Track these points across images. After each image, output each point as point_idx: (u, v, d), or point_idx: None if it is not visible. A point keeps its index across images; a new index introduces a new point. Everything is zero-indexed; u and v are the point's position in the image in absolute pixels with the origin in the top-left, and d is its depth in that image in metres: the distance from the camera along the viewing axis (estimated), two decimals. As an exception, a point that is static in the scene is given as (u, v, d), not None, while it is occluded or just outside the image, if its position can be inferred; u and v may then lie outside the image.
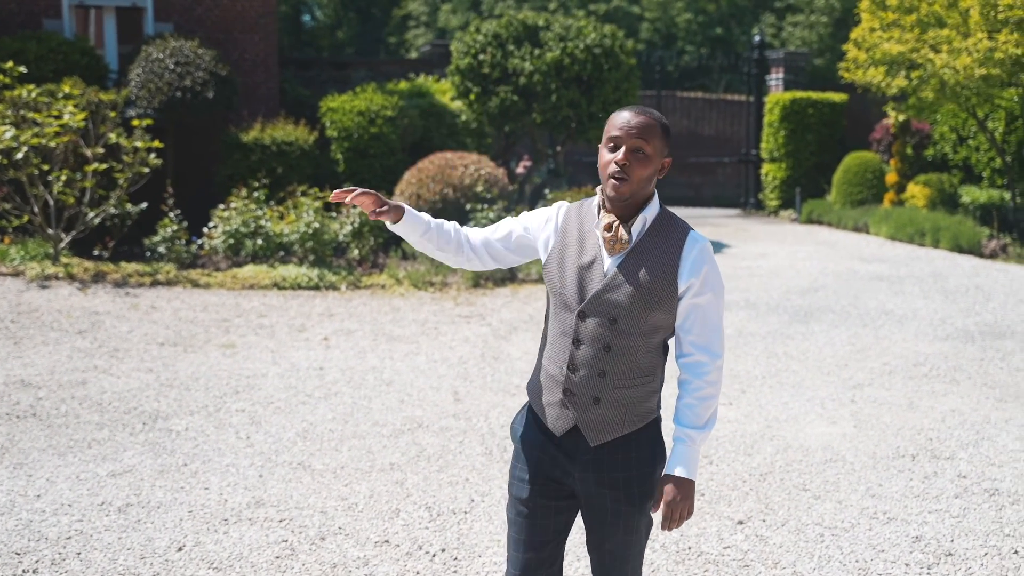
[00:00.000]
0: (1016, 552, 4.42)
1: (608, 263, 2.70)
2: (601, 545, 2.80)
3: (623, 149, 2.64)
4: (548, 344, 2.81)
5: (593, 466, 2.73)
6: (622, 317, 2.68)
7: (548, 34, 13.86)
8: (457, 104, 14.39)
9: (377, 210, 2.71)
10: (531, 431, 2.84)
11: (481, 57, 13.73)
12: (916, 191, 15.51)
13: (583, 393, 2.71)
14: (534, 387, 2.86)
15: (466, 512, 4.80)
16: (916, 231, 14.20)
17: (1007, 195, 14.77)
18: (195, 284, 10.24)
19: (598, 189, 2.76)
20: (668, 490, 2.70)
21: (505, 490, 5.01)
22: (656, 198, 2.75)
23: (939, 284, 11.00)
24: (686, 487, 2.70)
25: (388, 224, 2.79)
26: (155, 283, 10.16)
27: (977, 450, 5.78)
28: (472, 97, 13.77)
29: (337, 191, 2.67)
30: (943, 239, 13.64)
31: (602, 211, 2.74)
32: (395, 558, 4.29)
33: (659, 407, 2.82)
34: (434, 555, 4.32)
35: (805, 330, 8.81)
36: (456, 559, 4.29)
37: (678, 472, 2.70)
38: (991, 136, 14.70)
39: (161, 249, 10.90)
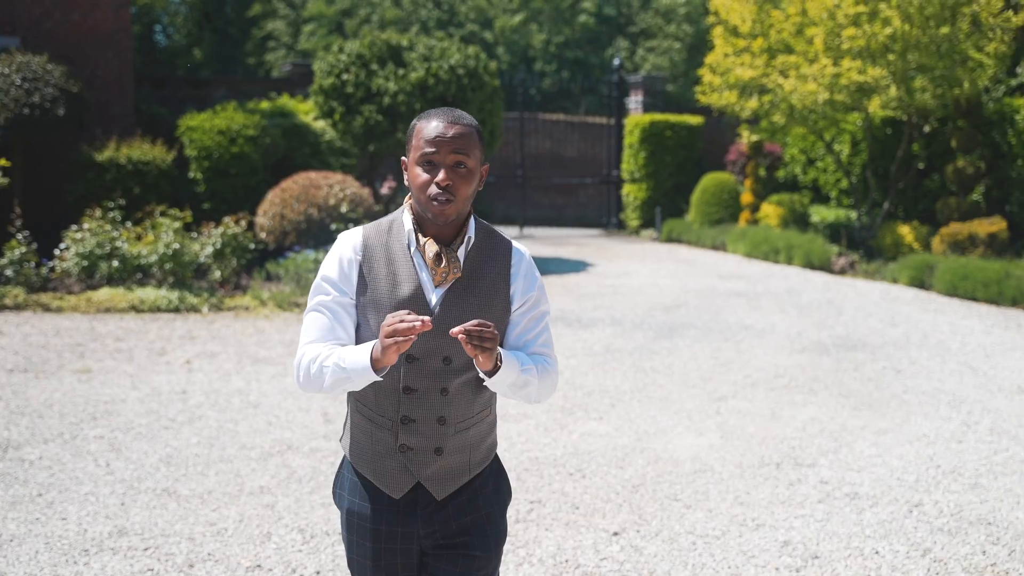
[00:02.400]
0: (878, 552, 4.58)
1: (433, 296, 2.40)
2: None
3: (442, 168, 2.34)
4: (367, 398, 2.45)
5: (438, 518, 2.47)
6: (455, 354, 2.39)
7: (412, 54, 13.86)
8: (320, 124, 14.24)
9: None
10: (360, 500, 2.50)
11: (345, 77, 13.62)
12: (769, 211, 16.07)
13: (423, 446, 2.42)
14: (357, 450, 2.50)
15: (339, 533, 4.69)
16: (771, 249, 14.71)
17: (853, 214, 15.44)
18: (46, 308, 9.80)
19: (406, 205, 2.45)
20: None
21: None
22: (472, 212, 2.48)
23: (794, 299, 11.40)
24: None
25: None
26: (2, 307, 9.68)
27: (837, 456, 5.98)
28: (336, 117, 13.64)
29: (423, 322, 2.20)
30: (796, 256, 14.16)
31: (418, 235, 2.42)
32: (268, 583, 4.17)
33: (496, 437, 2.63)
34: (309, 578, 4.22)
35: (670, 345, 9.00)
36: (332, 581, 4.19)
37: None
38: (837, 158, 15.37)
39: (8, 272, 10.40)
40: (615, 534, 4.78)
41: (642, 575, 4.33)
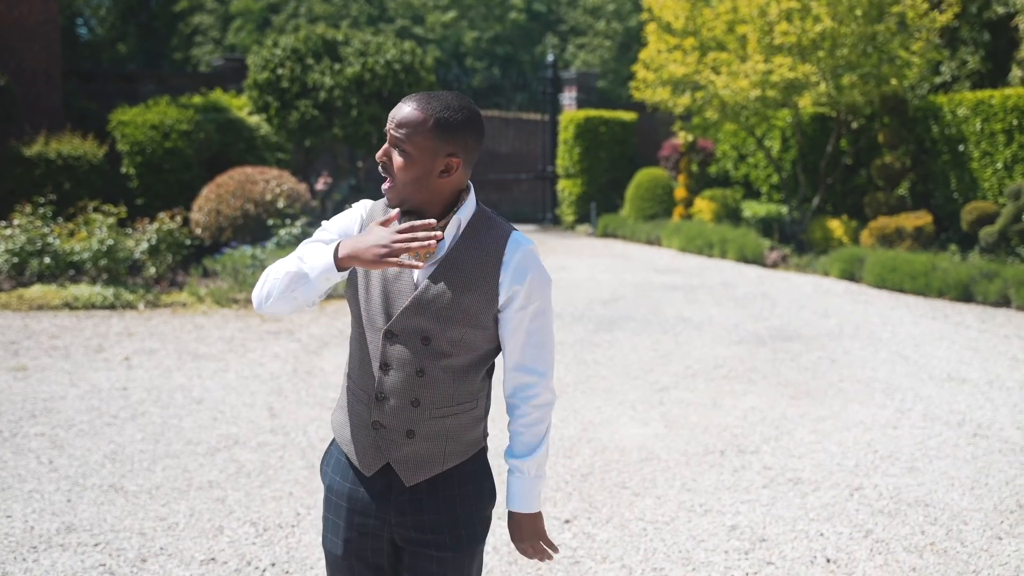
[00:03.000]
0: (822, 534, 4.71)
1: (418, 274, 2.35)
2: None
3: (385, 144, 2.32)
4: (352, 372, 2.46)
5: (410, 508, 2.39)
6: (435, 336, 2.33)
7: (348, 49, 13.80)
8: (255, 119, 14.10)
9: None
10: (338, 475, 2.48)
11: (280, 71, 13.51)
12: (703, 206, 16.30)
13: (395, 426, 2.36)
14: (339, 421, 2.50)
15: (293, 526, 4.69)
16: (705, 243, 14.92)
17: (784, 209, 15.74)
18: (-24, 306, 9.57)
19: None
20: (513, 531, 2.47)
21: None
22: (472, 196, 2.38)
23: (729, 292, 11.59)
24: (529, 521, 2.45)
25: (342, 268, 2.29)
26: (-70, 305, 9.44)
27: (778, 444, 6.12)
28: (272, 112, 13.52)
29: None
30: (730, 251, 14.39)
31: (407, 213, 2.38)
32: (224, 575, 4.14)
33: (485, 435, 2.51)
34: (264, 570, 4.20)
35: (610, 338, 9.10)
36: (287, 572, 4.19)
37: (516, 508, 2.45)
38: (768, 154, 15.65)
39: (-65, 269, 10.14)
40: (567, 522, 4.84)
41: (595, 560, 4.40)
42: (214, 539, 4.51)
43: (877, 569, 4.32)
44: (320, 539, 4.46)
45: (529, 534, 2.47)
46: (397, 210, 2.34)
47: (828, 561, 4.41)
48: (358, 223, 2.43)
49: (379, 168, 2.31)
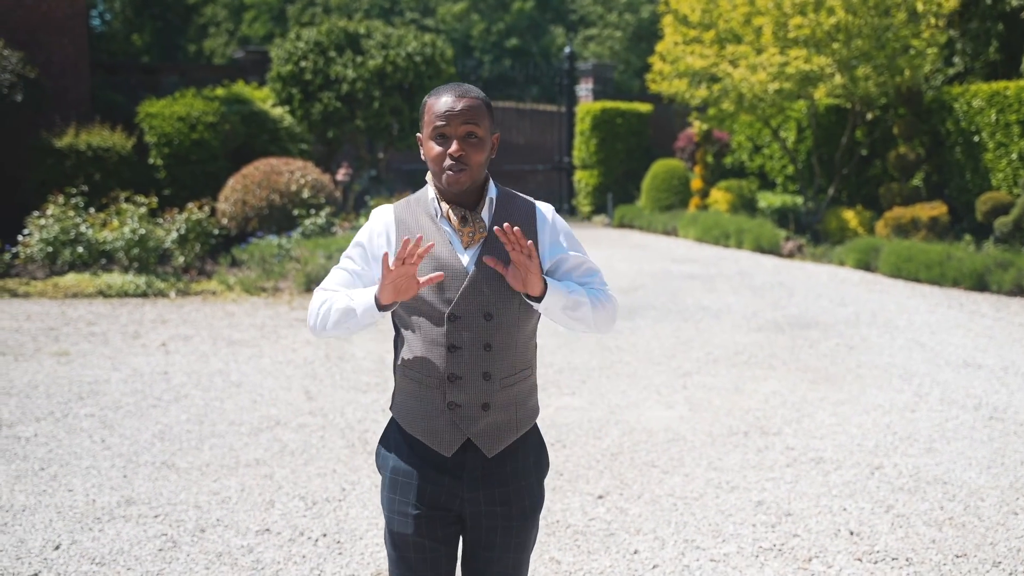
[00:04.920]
0: (845, 509, 4.92)
1: (466, 257, 2.53)
2: (488, 568, 2.63)
3: (455, 139, 2.48)
4: (413, 361, 2.58)
5: (483, 483, 2.56)
6: (496, 310, 2.52)
7: (370, 42, 14.00)
8: (278, 111, 14.32)
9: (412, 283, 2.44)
10: (406, 459, 2.59)
11: (303, 64, 13.73)
12: (719, 196, 16.48)
13: (470, 402, 2.53)
14: (406, 412, 2.61)
15: (340, 500, 4.92)
16: (721, 233, 15.11)
17: (799, 200, 15.91)
18: (13, 293, 9.83)
19: (428, 180, 2.61)
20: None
21: (373, 480, 5.16)
22: (490, 177, 2.61)
23: (746, 281, 11.79)
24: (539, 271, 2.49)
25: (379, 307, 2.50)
26: (-31, 293, 9.70)
27: (800, 426, 6.33)
28: (295, 104, 13.74)
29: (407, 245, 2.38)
30: (746, 241, 14.58)
31: (442, 203, 2.57)
32: (278, 544, 4.38)
33: (538, 405, 2.72)
34: (316, 540, 4.44)
35: (632, 325, 9.31)
36: (339, 542, 4.42)
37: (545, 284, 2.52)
38: (783, 145, 15.82)
39: (-29, 258, 10.41)
40: (600, 497, 5.06)
41: (629, 532, 4.62)
42: (266, 512, 4.75)
43: (899, 541, 4.53)
44: (365, 513, 4.70)
45: (533, 268, 2.47)
46: (406, 238, 2.47)
47: (851, 534, 4.62)
48: (380, 237, 2.59)
49: (454, 161, 2.47)
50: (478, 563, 2.62)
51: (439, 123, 2.47)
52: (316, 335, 2.61)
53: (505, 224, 2.41)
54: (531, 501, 2.61)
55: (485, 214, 2.55)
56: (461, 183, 2.48)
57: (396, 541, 2.60)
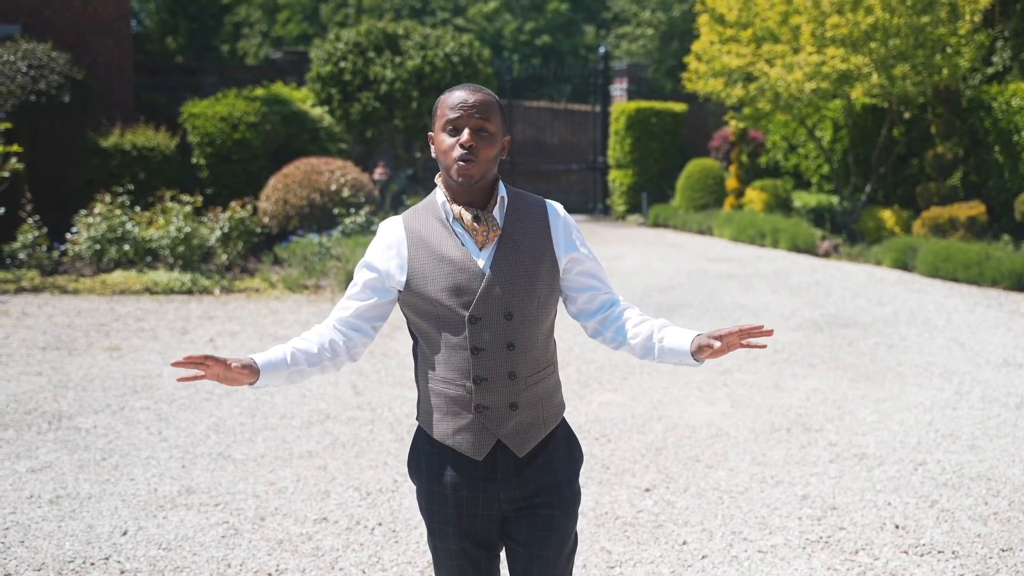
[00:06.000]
0: (890, 504, 4.99)
1: (481, 259, 2.52)
2: (529, 563, 2.62)
3: (466, 131, 2.48)
4: (437, 366, 2.57)
5: (518, 482, 2.57)
6: (516, 309, 2.52)
7: (408, 43, 14.15)
8: (318, 111, 14.50)
9: (228, 375, 2.45)
10: (439, 470, 2.60)
11: (342, 64, 13.90)
12: (754, 196, 16.50)
13: (497, 403, 2.53)
14: (435, 420, 2.60)
15: (393, 491, 5.05)
16: (757, 233, 15.14)
17: (834, 199, 15.90)
18: (63, 290, 10.05)
19: (437, 183, 2.61)
20: (708, 338, 2.55)
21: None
22: (499, 178, 2.61)
23: (783, 281, 11.83)
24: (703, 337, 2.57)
25: (249, 386, 2.56)
26: (20, 290, 9.93)
27: (842, 422, 6.39)
28: (334, 104, 13.91)
29: (187, 358, 2.39)
30: (782, 240, 14.60)
31: (452, 205, 2.55)
32: (336, 533, 4.51)
33: (563, 398, 2.74)
34: (373, 529, 4.56)
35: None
36: (395, 531, 4.54)
37: (693, 335, 2.59)
38: (819, 144, 15.82)
39: (22, 256, 10.64)
40: (647, 490, 5.15)
41: (677, 524, 4.71)
42: (322, 502, 4.88)
43: (944, 535, 4.60)
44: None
45: (711, 335, 2.54)
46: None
47: (897, 527, 4.69)
48: (390, 250, 2.57)
49: (464, 151, 2.47)
50: (521, 559, 2.61)
51: (452, 115, 2.48)
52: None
53: (756, 326, 2.52)
54: (569, 491, 2.62)
55: (497, 213, 2.55)
56: (471, 176, 2.47)
57: (438, 548, 2.64)
